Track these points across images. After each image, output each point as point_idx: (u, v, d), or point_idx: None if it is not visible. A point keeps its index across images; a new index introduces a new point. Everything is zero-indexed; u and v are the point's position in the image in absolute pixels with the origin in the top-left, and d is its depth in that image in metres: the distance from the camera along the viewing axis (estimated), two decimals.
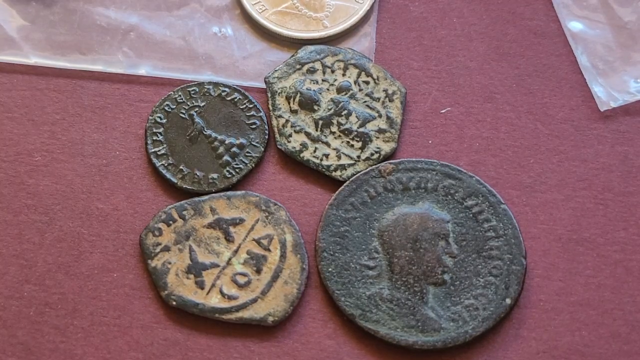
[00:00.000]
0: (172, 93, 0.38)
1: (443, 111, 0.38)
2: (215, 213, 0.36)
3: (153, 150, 0.37)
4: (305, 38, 0.39)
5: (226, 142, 0.37)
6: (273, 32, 0.39)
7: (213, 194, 0.36)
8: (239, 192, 0.36)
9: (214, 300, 0.35)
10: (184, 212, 0.36)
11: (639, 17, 0.39)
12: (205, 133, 0.37)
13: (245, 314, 0.34)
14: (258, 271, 0.35)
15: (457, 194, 0.36)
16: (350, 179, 0.36)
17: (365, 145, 0.37)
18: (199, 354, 0.34)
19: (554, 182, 0.37)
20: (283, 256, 0.35)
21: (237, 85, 0.38)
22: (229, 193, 0.36)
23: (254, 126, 0.38)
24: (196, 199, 0.36)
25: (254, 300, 0.35)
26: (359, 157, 0.37)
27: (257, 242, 0.35)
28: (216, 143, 0.37)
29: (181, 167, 0.37)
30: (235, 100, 0.38)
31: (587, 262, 0.36)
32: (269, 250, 0.35)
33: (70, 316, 0.35)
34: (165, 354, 0.34)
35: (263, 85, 0.39)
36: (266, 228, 0.36)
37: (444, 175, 0.36)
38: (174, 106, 0.38)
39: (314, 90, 0.38)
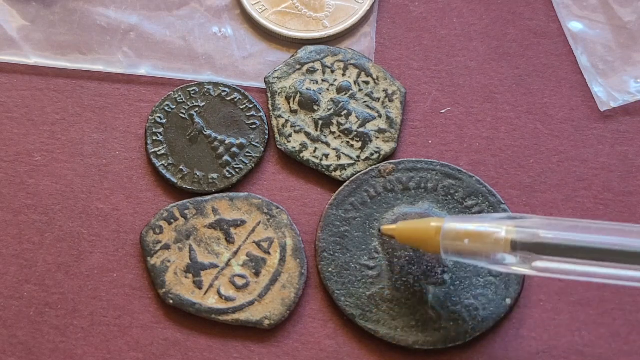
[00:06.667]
0: (172, 93, 0.38)
1: (443, 111, 0.38)
2: (217, 213, 0.36)
3: (153, 150, 0.37)
4: (305, 38, 0.39)
5: (226, 142, 0.37)
6: (273, 32, 0.39)
7: (216, 195, 0.36)
8: (242, 194, 0.36)
9: (211, 301, 0.35)
10: (186, 211, 0.36)
11: (639, 17, 0.39)
12: (205, 133, 0.37)
13: (242, 316, 0.34)
14: (257, 274, 0.35)
15: (457, 194, 0.36)
16: (350, 179, 0.36)
17: (365, 145, 0.37)
18: (199, 354, 0.34)
19: (554, 182, 0.37)
20: (282, 260, 0.35)
21: (237, 85, 0.38)
22: (231, 194, 0.36)
23: (254, 126, 0.38)
24: (199, 198, 0.36)
25: (251, 303, 0.35)
26: (358, 157, 0.37)
27: (258, 244, 0.35)
28: (216, 143, 0.37)
29: (181, 167, 0.37)
30: (235, 100, 0.38)
31: None
32: (268, 253, 0.35)
33: (70, 316, 0.35)
34: (165, 354, 0.34)
35: (263, 86, 0.38)
36: (267, 231, 0.36)
37: (444, 175, 0.36)
38: (174, 106, 0.38)
39: (313, 90, 0.38)
